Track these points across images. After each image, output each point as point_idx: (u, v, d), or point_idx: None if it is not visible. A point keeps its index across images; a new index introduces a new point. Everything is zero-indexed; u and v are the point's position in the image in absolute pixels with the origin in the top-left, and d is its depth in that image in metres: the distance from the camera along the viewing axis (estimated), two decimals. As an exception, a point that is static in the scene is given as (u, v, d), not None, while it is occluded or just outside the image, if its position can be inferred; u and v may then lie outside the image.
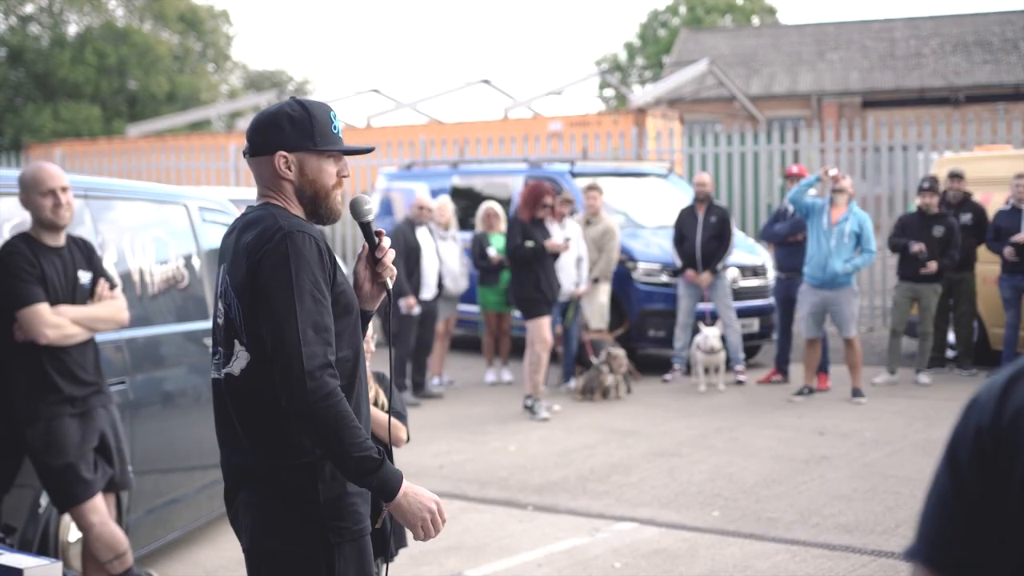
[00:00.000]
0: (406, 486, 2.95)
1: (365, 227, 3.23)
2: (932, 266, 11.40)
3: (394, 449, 3.39)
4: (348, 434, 2.86)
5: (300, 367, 2.84)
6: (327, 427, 2.84)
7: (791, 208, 12.19)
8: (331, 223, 3.18)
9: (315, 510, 2.97)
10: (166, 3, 44.93)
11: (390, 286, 3.25)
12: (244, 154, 3.15)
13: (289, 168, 3.07)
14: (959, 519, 1.41)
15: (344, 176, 3.14)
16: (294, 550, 2.98)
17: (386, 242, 3.24)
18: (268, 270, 2.91)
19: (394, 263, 3.28)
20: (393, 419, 3.84)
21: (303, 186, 3.09)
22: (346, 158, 3.16)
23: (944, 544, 1.42)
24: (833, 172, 11.15)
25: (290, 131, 3.06)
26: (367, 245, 3.25)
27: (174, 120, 32.07)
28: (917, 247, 11.40)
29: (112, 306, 5.18)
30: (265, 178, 3.11)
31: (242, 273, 2.96)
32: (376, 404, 4.33)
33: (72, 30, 43.76)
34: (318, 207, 3.11)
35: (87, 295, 5.12)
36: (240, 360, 3.01)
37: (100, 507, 5.01)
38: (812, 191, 11.42)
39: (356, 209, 3.22)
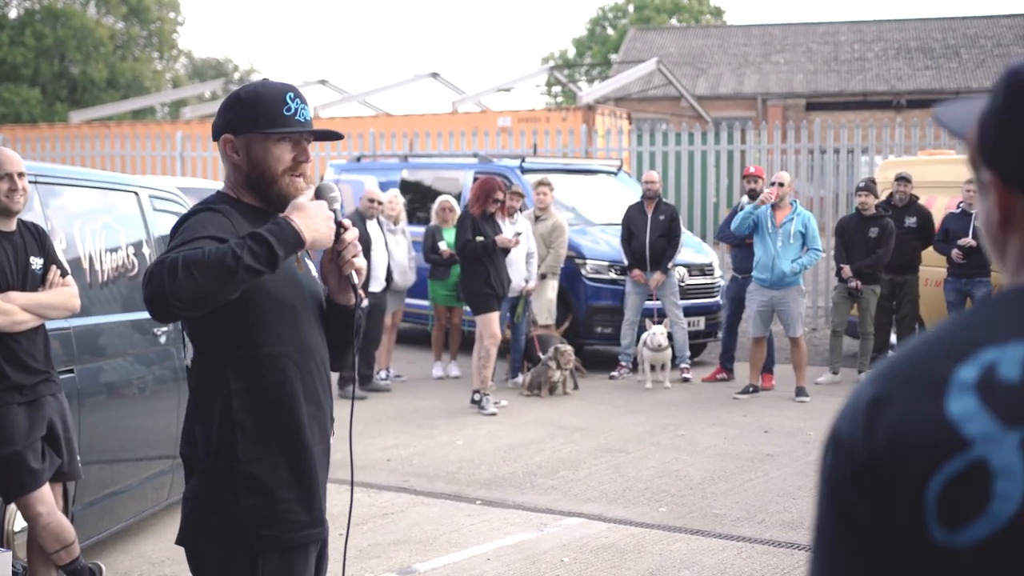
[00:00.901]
0: (293, 220, 2.78)
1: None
2: (854, 285, 11.55)
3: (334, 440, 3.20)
4: (211, 255, 2.65)
5: (146, 277, 2.69)
6: (194, 275, 2.62)
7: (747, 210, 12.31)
8: (285, 210, 2.98)
9: (236, 515, 2.86)
10: (109, -13, 44.45)
11: (354, 280, 3.08)
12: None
13: (236, 152, 2.98)
14: (856, 563, 1.34)
15: (301, 161, 3.00)
16: (218, 553, 2.90)
17: (348, 235, 3.06)
18: (172, 233, 2.90)
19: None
20: None
21: (250, 170, 2.98)
22: (309, 143, 3.05)
23: None
24: (768, 194, 11.26)
25: (237, 113, 2.98)
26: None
27: (118, 107, 31.71)
28: (847, 274, 11.56)
29: (63, 293, 5.11)
30: (224, 164, 3.05)
31: None
32: None
33: (13, 13, 43.15)
34: (267, 192, 2.99)
35: (38, 282, 5.04)
36: (189, 348, 2.97)
37: (47, 497, 4.94)
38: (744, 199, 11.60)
39: (320, 197, 3.09)
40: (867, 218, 11.67)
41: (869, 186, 11.83)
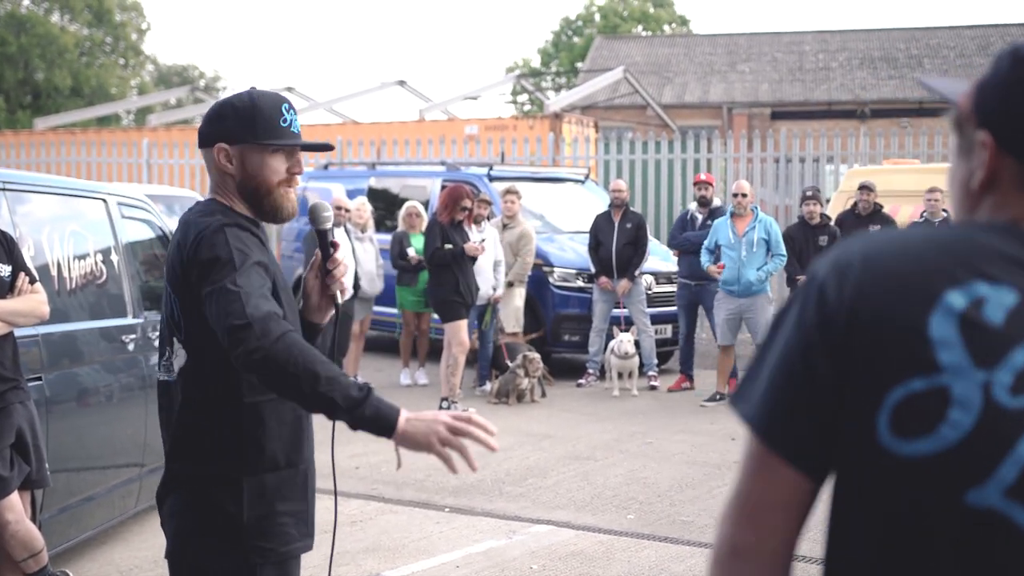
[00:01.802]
0: (405, 412, 2.64)
1: (321, 235, 3.11)
2: (803, 280, 11.61)
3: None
4: (321, 368, 2.57)
5: (244, 319, 2.60)
6: (292, 365, 2.55)
7: (699, 216, 12.41)
8: (279, 221, 3.03)
9: (238, 527, 2.84)
10: (74, -7, 44.17)
11: (339, 300, 3.10)
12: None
13: (230, 161, 2.95)
14: (801, 400, 1.44)
15: (295, 173, 3.01)
16: (214, 566, 2.87)
17: (339, 254, 3.08)
18: (204, 258, 2.76)
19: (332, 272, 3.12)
20: None
21: (245, 180, 2.95)
22: (302, 154, 3.07)
23: (782, 423, 1.45)
24: (716, 269, 11.44)
25: (233, 123, 2.94)
26: (319, 254, 3.11)
27: (83, 114, 31.52)
28: (801, 281, 11.63)
29: (32, 300, 5.09)
30: (212, 171, 3.00)
31: (177, 269, 2.86)
32: None
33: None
34: (260, 203, 2.97)
35: (6, 289, 5.02)
36: (179, 358, 2.91)
37: (16, 505, 4.92)
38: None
39: (314, 216, 3.12)
40: (814, 227, 11.79)
41: (815, 194, 11.96)
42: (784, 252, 11.40)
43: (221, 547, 2.85)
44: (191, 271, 2.80)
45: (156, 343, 3.55)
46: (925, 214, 11.94)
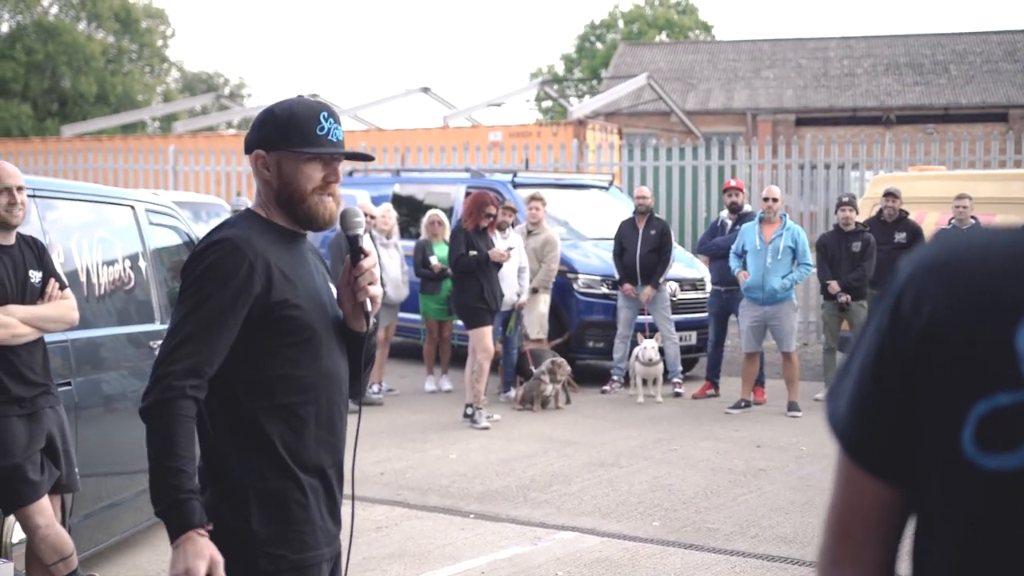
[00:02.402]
0: (194, 535, 2.68)
1: (352, 241, 3.09)
2: (844, 299, 11.57)
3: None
4: (167, 450, 2.71)
5: (156, 367, 2.76)
6: (153, 433, 2.73)
7: (729, 222, 12.37)
8: (316, 229, 3.03)
9: (248, 541, 2.83)
10: (100, 1, 44.38)
11: (368, 308, 3.05)
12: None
13: (267, 168, 2.96)
14: (881, 413, 1.43)
15: (331, 181, 2.99)
16: (231, 570, 2.82)
17: (366, 262, 3.04)
18: (185, 273, 2.86)
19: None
20: None
21: (280, 188, 2.96)
22: (340, 163, 3.05)
23: (863, 435, 1.45)
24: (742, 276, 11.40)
25: (270, 130, 2.96)
26: (350, 260, 3.08)
27: (109, 121, 31.72)
28: (835, 289, 11.59)
29: (62, 306, 5.13)
30: (256, 180, 3.03)
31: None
32: None
33: (4, 28, 43.13)
34: (295, 210, 2.97)
35: (37, 295, 5.07)
36: None
37: (46, 509, 4.96)
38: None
39: (345, 221, 3.10)
40: (848, 233, 11.72)
41: (851, 201, 11.89)
42: (811, 262, 11.34)
43: (235, 556, 2.81)
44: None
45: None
46: (953, 221, 11.88)
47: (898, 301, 1.43)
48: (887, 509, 1.46)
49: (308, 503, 2.92)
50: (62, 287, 5.20)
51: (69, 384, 5.66)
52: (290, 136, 2.93)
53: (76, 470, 5.24)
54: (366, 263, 3.04)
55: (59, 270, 5.39)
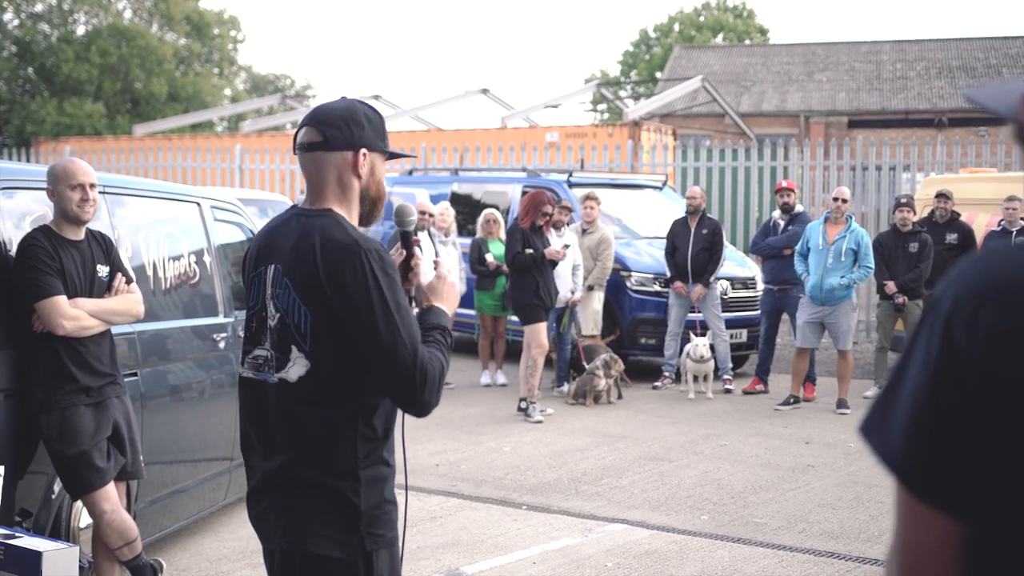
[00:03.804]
0: (444, 309, 3.09)
1: (405, 236, 3.15)
2: (901, 300, 11.43)
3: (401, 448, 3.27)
4: (443, 369, 2.94)
5: (411, 379, 2.84)
6: (437, 385, 2.91)
7: (781, 222, 12.25)
8: (373, 224, 3.15)
9: (355, 518, 2.89)
10: (173, 5, 44.84)
11: (417, 304, 3.11)
12: (309, 147, 2.98)
13: (364, 167, 2.98)
14: (938, 445, 1.32)
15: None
16: (335, 555, 2.89)
17: (419, 253, 3.14)
18: (361, 287, 2.80)
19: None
20: None
21: (369, 186, 3.00)
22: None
23: (923, 469, 1.34)
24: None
25: (369, 129, 2.98)
26: (404, 253, 3.14)
27: (179, 121, 32.06)
28: (891, 290, 11.45)
29: (128, 300, 5.18)
30: (331, 175, 2.97)
31: (316, 283, 2.84)
32: None
33: (80, 30, 43.72)
34: (375, 208, 3.04)
35: (104, 288, 5.12)
36: (298, 367, 2.89)
37: (112, 495, 5.00)
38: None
39: (400, 218, 3.16)
40: (905, 234, 11.57)
41: (909, 202, 11.73)
42: (872, 264, 11.17)
43: (341, 536, 2.88)
44: (330, 286, 2.82)
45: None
46: (1003, 223, 11.70)
47: (948, 327, 1.33)
48: (956, 547, 1.35)
49: (392, 488, 3.07)
50: (128, 281, 5.24)
51: (136, 375, 5.71)
52: (385, 138, 3.04)
53: (141, 458, 5.28)
54: (419, 254, 3.16)
55: (127, 265, 5.44)
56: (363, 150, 2.97)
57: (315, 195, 3.00)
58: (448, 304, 3.10)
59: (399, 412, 3.02)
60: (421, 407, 2.88)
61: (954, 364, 1.32)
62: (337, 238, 2.86)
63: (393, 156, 3.10)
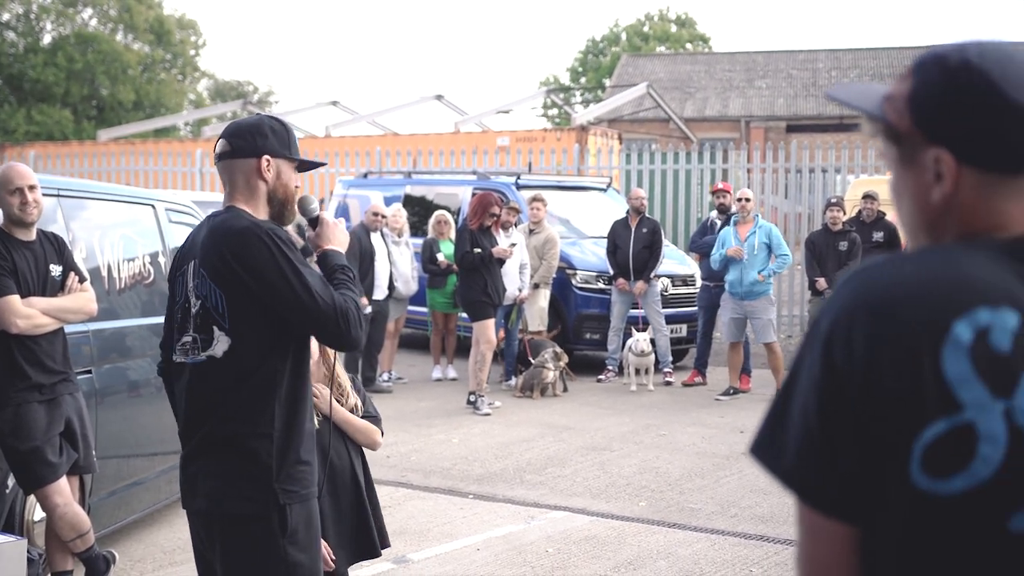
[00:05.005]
0: (336, 247, 3.35)
1: (313, 223, 3.42)
2: (821, 283, 11.57)
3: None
4: (357, 303, 3.17)
5: (336, 325, 3.06)
6: (357, 320, 3.13)
7: (718, 222, 12.34)
8: (288, 224, 3.31)
9: (268, 476, 3.07)
10: (135, 13, 44.41)
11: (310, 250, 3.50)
12: (220, 157, 3.24)
13: (269, 171, 3.21)
14: (827, 457, 1.35)
15: (298, 187, 3.32)
16: (249, 512, 3.08)
17: (326, 215, 3.45)
18: (268, 262, 3.03)
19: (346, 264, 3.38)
20: (369, 424, 3.98)
21: (276, 189, 3.24)
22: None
23: (815, 481, 1.37)
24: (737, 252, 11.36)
25: (273, 139, 3.24)
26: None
27: (143, 126, 31.75)
28: (822, 286, 11.58)
29: (81, 298, 5.14)
30: (239, 180, 3.23)
31: (226, 267, 3.06)
32: (353, 410, 4.36)
33: (47, 39, 43.20)
34: (284, 209, 3.27)
35: (57, 287, 5.07)
36: (221, 343, 3.10)
37: (64, 489, 4.96)
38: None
39: (303, 207, 3.43)
40: (836, 233, 11.70)
41: (839, 202, 11.88)
42: (787, 252, 11.31)
43: (255, 493, 3.07)
44: (239, 268, 3.05)
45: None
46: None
47: (827, 349, 1.35)
48: (851, 551, 1.38)
49: (309, 451, 3.27)
50: (81, 280, 5.20)
51: (90, 372, 5.66)
52: (291, 147, 3.28)
53: (94, 452, 5.24)
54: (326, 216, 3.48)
55: (81, 265, 5.39)
56: (266, 156, 3.21)
57: (227, 198, 3.26)
58: (339, 243, 3.34)
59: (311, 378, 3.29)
60: (352, 343, 3.15)
61: (836, 382, 1.34)
62: (236, 225, 3.10)
63: (304, 164, 3.33)
